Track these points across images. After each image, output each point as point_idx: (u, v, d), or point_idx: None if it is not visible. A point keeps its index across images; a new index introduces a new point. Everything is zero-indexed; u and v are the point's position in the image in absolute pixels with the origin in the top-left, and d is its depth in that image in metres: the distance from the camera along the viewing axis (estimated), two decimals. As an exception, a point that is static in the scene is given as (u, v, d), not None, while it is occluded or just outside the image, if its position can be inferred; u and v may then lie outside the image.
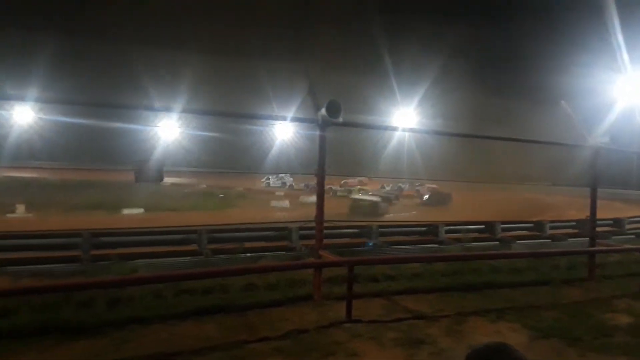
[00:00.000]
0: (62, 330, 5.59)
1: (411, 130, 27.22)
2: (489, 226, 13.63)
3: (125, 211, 25.35)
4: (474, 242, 12.33)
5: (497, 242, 13.10)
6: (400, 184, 45.00)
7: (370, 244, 11.30)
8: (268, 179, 48.40)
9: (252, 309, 6.65)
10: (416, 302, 7.30)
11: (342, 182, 43.83)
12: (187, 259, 9.33)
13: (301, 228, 10.91)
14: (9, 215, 22.85)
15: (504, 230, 13.74)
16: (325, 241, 7.80)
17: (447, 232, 12.66)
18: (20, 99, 7.73)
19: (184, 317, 6.15)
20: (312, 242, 8.01)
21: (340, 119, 6.94)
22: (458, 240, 12.31)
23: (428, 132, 23.43)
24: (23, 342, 5.26)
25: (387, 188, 44.12)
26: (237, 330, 5.88)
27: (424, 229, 12.81)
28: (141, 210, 25.61)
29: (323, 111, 6.80)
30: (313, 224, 7.61)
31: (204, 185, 41.17)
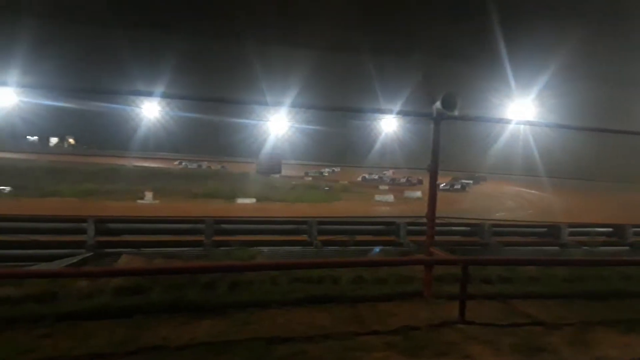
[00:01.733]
0: (189, 309, 6.09)
1: (528, 123, 25.50)
2: (619, 229, 12.36)
3: (239, 200, 26.95)
4: (601, 246, 11.27)
5: (627, 248, 11.87)
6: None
7: (377, 250, 10.13)
8: (371, 173, 48.43)
9: (362, 302, 6.71)
10: (534, 308, 6.85)
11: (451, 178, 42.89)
12: (299, 248, 9.71)
13: (410, 224, 10.78)
14: (139, 201, 25.43)
15: (636, 234, 12.39)
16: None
17: (571, 234, 11.71)
18: (149, 95, 8.50)
19: (297, 304, 6.39)
20: (420, 238, 7.87)
21: (456, 113, 6.72)
22: (583, 243, 11.33)
23: (544, 125, 21.82)
24: (156, 318, 5.77)
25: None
26: (348, 321, 5.98)
27: (543, 229, 11.98)
28: (253, 200, 27.08)
29: (438, 104, 6.63)
30: (424, 220, 7.47)
31: (310, 178, 42.44)
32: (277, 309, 6.18)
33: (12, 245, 8.97)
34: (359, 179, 46.40)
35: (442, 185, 37.02)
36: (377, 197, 33.78)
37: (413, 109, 7.41)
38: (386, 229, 11.17)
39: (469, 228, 11.63)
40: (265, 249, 9.30)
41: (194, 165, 44.75)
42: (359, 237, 10.17)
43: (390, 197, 33.47)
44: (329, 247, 9.63)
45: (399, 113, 8.59)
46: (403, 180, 44.42)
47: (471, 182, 46.21)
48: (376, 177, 47.34)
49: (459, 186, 42.50)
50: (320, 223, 10.43)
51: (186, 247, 9.42)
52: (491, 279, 8.02)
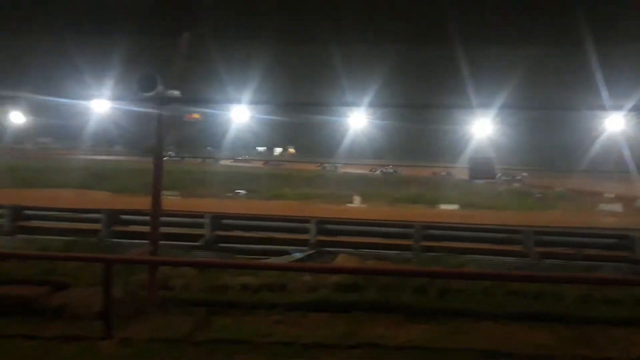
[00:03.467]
0: (402, 310, 6.26)
1: None
2: None
3: (442, 206, 26.54)
4: None
5: None
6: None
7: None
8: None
9: (590, 323, 5.99)
10: None
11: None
12: (512, 259, 9.13)
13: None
14: (349, 204, 27.10)
15: None
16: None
17: None
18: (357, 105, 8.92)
19: (514, 318, 6.03)
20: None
21: None
22: None
23: None
24: (371, 315, 6.10)
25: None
26: (575, 342, 5.41)
27: None
28: (456, 207, 26.36)
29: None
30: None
31: (518, 184, 39.36)
32: (491, 322, 5.93)
33: (250, 241, 10.51)
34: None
35: None
36: (602, 206, 29.47)
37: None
38: (618, 242, 9.73)
39: None
40: (475, 257, 9.01)
41: (389, 171, 46.08)
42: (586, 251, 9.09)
43: (617, 207, 28.89)
44: (549, 260, 8.81)
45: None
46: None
47: None
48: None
49: None
50: (537, 233, 9.64)
51: (395, 250, 9.71)
52: None
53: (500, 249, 9.59)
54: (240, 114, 9.25)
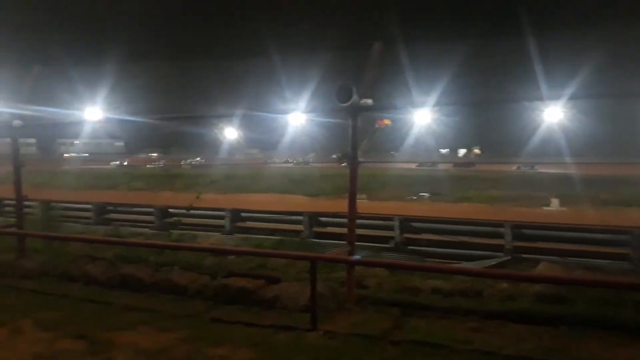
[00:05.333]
0: (620, 329, 5.47)
1: None
2: None
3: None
4: None
5: None
6: None
7: None
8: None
9: None
10: None
11: None
12: None
13: None
14: (545, 207, 24.74)
15: None
16: None
17: None
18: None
19: None
20: None
21: None
22: None
23: None
24: (581, 332, 5.43)
25: None
26: None
27: None
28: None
29: None
30: None
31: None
32: None
33: (440, 244, 10.39)
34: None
35: None
36: None
37: None
38: None
39: None
40: None
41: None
42: None
43: None
44: None
45: None
46: None
47: None
48: None
49: None
50: None
51: (608, 259, 8.54)
52: None
53: None
54: (423, 116, 9.20)
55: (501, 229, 9.55)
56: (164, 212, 13.79)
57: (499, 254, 9.29)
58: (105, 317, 6.02)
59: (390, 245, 10.73)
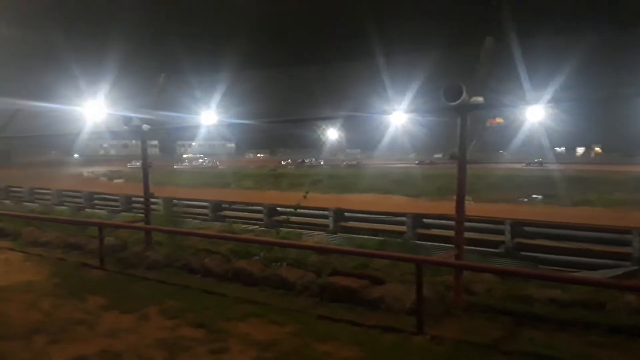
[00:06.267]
0: None
1: None
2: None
3: None
4: None
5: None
6: None
7: None
8: None
9: None
10: None
11: None
12: None
13: None
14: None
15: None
16: None
17: None
18: None
19: None
20: None
21: None
22: None
23: None
24: None
25: None
26: None
27: None
28: None
29: None
30: None
31: None
32: None
33: (556, 251, 9.66)
34: None
35: None
36: None
37: None
38: None
39: None
40: None
41: None
42: None
43: None
44: None
45: None
46: None
47: None
48: None
49: None
50: None
51: None
52: None
53: None
54: (537, 113, 8.60)
55: (628, 236, 8.63)
56: (271, 211, 14.42)
57: (625, 262, 8.41)
58: (221, 308, 6.46)
59: (500, 250, 10.19)
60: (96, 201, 20.45)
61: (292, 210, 12.01)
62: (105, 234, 9.37)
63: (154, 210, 13.69)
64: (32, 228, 11.94)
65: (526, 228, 10.32)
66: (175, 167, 57.15)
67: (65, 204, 21.07)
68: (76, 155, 67.72)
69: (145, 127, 9.33)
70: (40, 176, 36.23)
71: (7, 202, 21.90)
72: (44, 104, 13.11)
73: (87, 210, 19.33)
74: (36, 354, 5.04)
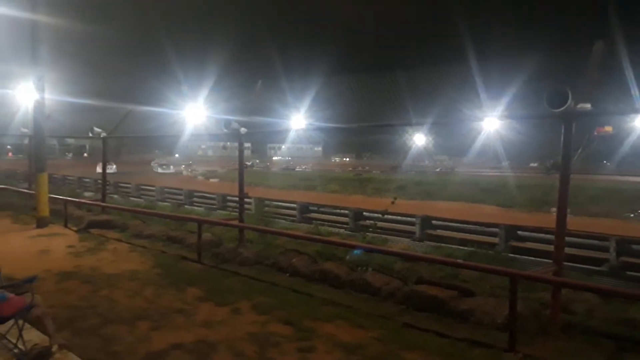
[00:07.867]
0: None
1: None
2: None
3: None
4: None
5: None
6: None
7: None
8: None
9: None
10: None
11: None
12: None
13: None
14: None
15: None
16: None
17: None
18: None
19: None
20: None
21: None
22: None
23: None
24: None
25: None
26: None
27: None
28: None
29: None
30: None
31: None
32: None
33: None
34: None
35: None
36: None
37: None
38: None
39: None
40: None
41: None
42: None
43: None
44: None
45: None
46: None
47: None
48: None
49: None
50: None
51: None
52: None
53: None
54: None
55: None
56: (357, 215, 14.46)
57: None
58: (308, 308, 6.63)
59: (604, 268, 9.41)
60: (195, 199, 21.74)
61: (380, 215, 11.97)
62: (203, 230, 9.97)
63: (247, 209, 14.33)
64: (138, 221, 13.02)
65: (634, 246, 9.44)
66: (272, 169, 59.21)
67: (167, 200, 22.64)
68: (177, 155, 72.64)
69: (243, 130, 9.80)
70: (145, 173, 39.16)
71: (115, 196, 23.96)
72: (150, 107, 14.30)
73: (186, 206, 20.61)
74: (139, 339, 5.48)
